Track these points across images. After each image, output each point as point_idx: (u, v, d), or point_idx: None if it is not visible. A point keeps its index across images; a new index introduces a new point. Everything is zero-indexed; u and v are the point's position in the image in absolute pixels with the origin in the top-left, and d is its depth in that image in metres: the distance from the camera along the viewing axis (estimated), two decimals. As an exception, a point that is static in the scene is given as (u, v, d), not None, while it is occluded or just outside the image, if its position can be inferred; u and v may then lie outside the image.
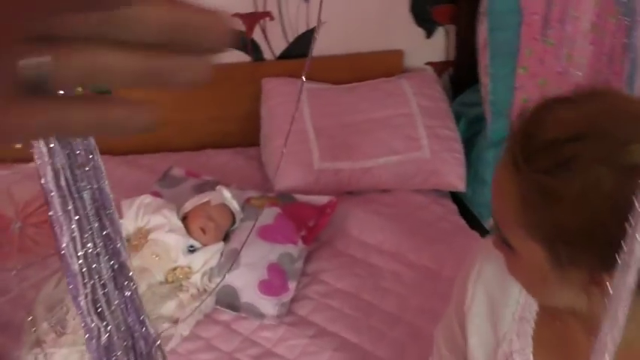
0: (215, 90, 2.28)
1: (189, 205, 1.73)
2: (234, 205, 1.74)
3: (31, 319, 1.52)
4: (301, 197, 1.91)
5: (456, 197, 2.08)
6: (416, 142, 2.01)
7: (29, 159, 2.13)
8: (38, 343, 1.45)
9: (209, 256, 1.67)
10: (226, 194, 1.73)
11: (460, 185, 2.00)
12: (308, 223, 1.79)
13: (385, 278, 1.69)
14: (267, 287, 1.62)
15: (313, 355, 1.47)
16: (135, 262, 1.59)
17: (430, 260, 1.74)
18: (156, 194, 1.88)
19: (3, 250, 1.79)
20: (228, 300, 1.62)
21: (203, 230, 1.67)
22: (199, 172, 2.07)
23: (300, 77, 2.17)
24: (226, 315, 1.61)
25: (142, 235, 1.65)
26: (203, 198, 1.72)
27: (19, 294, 1.67)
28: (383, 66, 2.29)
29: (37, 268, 1.75)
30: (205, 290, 1.63)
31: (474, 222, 2.04)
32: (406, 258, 1.75)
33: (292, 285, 1.64)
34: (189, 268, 1.64)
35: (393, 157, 2.00)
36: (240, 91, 2.29)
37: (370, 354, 1.48)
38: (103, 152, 2.15)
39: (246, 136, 2.34)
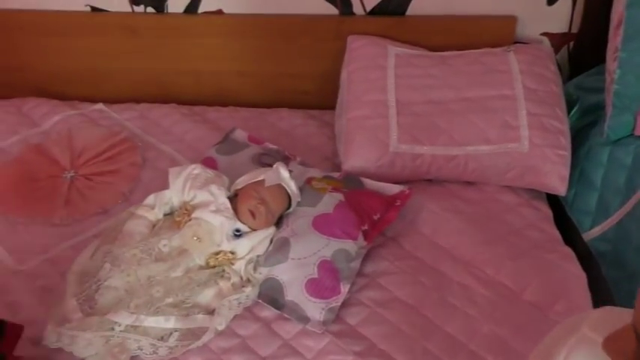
0: (294, 43, 2.06)
1: (241, 182, 1.55)
2: (292, 187, 1.54)
3: (61, 292, 1.42)
4: (370, 183, 1.68)
5: (551, 199, 1.77)
6: (514, 132, 1.70)
7: (97, 99, 2.04)
8: (64, 320, 1.35)
9: (256, 242, 1.49)
10: (284, 174, 1.52)
11: (561, 188, 1.69)
12: (373, 215, 1.56)
13: (453, 293, 1.45)
14: (316, 287, 1.43)
15: (356, 378, 1.28)
16: (174, 241, 1.44)
17: (509, 278, 1.47)
18: (210, 162, 1.72)
19: (51, 202, 1.70)
20: (272, 295, 1.44)
21: (252, 214, 1.48)
22: (263, 138, 1.88)
23: (392, 38, 1.91)
24: (268, 312, 1.44)
25: (186, 211, 1.49)
26: (257, 176, 1.53)
27: (58, 254, 1.57)
28: (489, 34, 1.95)
29: (79, 228, 1.65)
30: (249, 280, 1.47)
31: (569, 231, 1.74)
32: (481, 271, 1.50)
33: (345, 288, 1.44)
34: (233, 253, 1.47)
35: (485, 146, 1.71)
36: (322, 47, 2.05)
37: (422, 387, 1.27)
38: (169, 100, 2.02)
39: (324, 97, 2.12)
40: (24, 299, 1.46)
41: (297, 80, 2.13)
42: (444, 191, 1.74)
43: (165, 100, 2.16)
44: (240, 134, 1.88)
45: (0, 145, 1.93)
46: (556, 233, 1.63)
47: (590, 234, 1.73)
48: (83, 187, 1.75)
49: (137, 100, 2.17)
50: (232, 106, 2.14)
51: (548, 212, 1.70)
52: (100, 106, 2.11)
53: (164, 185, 1.75)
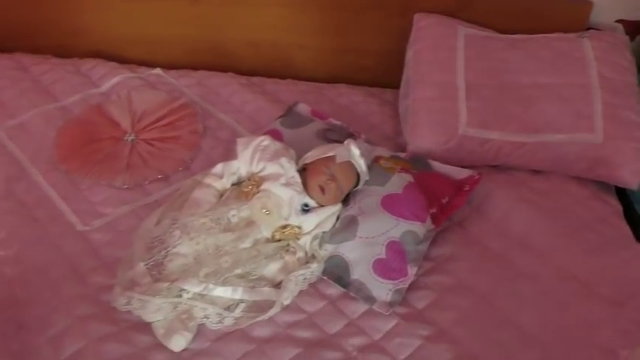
0: (358, 17, 2.01)
1: (311, 157, 1.52)
2: (362, 165, 1.51)
3: (129, 256, 1.41)
4: (438, 165, 1.64)
5: (619, 193, 1.73)
6: (588, 122, 1.65)
7: (155, 64, 2.03)
8: (133, 284, 1.34)
9: (323, 218, 1.46)
10: (355, 151, 1.49)
11: (633, 182, 1.64)
12: (442, 199, 1.53)
13: (524, 283, 1.42)
14: (384, 267, 1.40)
15: (425, 362, 1.26)
16: (243, 212, 1.42)
17: (583, 272, 1.44)
18: (276, 134, 1.69)
19: (113, 165, 1.69)
20: (337, 272, 1.42)
21: (322, 189, 1.46)
22: (326, 113, 1.84)
23: (459, 18, 1.85)
24: (333, 289, 1.42)
25: (255, 182, 1.47)
26: (328, 151, 1.50)
27: (119, 217, 1.57)
28: (563, 18, 1.89)
29: (140, 192, 1.64)
30: (313, 256, 1.45)
31: (634, 225, 1.69)
32: (554, 263, 1.46)
33: (412, 270, 1.42)
34: (300, 228, 1.45)
35: (556, 135, 1.66)
36: (386, 23, 2.01)
37: (493, 376, 1.25)
38: (227, 69, 1.99)
39: (385, 75, 2.08)
40: (88, 261, 1.45)
41: (357, 56, 2.09)
42: (510, 178, 1.70)
43: (222, 68, 2.13)
44: (303, 108, 1.85)
45: (62, 103, 1.92)
46: (627, 230, 1.58)
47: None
48: (144, 151, 1.74)
49: (194, 68, 2.14)
50: (290, 79, 2.10)
51: (618, 207, 1.66)
52: (157, 71, 2.09)
53: (225, 155, 1.74)
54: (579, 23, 1.90)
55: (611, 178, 1.66)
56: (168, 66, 2.13)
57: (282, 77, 2.12)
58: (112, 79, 2.02)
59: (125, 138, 1.78)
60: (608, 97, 1.67)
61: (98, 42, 2.17)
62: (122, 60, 2.15)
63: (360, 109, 1.96)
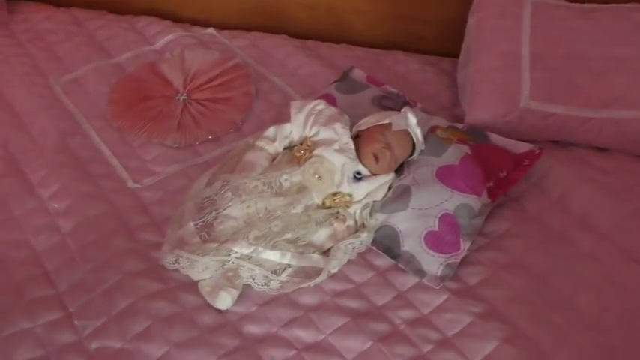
0: (418, -17, 1.94)
1: (366, 124, 1.48)
2: (418, 135, 1.45)
3: (178, 215, 1.40)
4: (496, 138, 1.58)
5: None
6: (661, 98, 1.56)
7: (209, 24, 2.00)
8: (182, 243, 1.34)
9: (375, 187, 1.43)
10: (412, 120, 1.44)
11: None
12: (499, 173, 1.47)
13: (584, 265, 1.35)
14: (436, 240, 1.36)
15: (476, 340, 1.22)
16: (295, 177, 1.40)
17: (648, 258, 1.37)
18: (330, 98, 1.64)
19: (164, 123, 1.68)
20: (387, 243, 1.39)
21: (376, 158, 1.42)
22: (382, 79, 1.79)
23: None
24: (382, 260, 1.38)
25: (308, 147, 1.44)
26: (384, 119, 1.45)
27: (170, 176, 1.56)
28: (636, -13, 1.78)
29: (190, 152, 1.63)
30: (363, 225, 1.41)
31: None
32: (616, 245, 1.39)
33: (465, 244, 1.37)
34: (351, 196, 1.42)
35: (627, 111, 1.57)
36: (448, -11, 1.92)
37: (547, 357, 1.20)
38: (281, 31, 1.95)
39: (443, 43, 2.01)
40: (138, 218, 1.46)
41: (415, 23, 2.02)
42: (572, 155, 1.63)
43: (275, 31, 2.09)
44: (358, 74, 1.80)
45: (116, 60, 1.92)
46: (696, 214, 1.50)
47: None
48: (195, 111, 1.72)
49: (247, 29, 2.11)
50: (345, 44, 2.05)
51: (689, 190, 1.56)
52: (210, 30, 2.07)
53: (277, 118, 1.72)
54: (656, -7, 1.78)
55: (682, 159, 1.57)
56: (221, 26, 2.11)
57: (337, 42, 2.06)
58: (166, 37, 2.01)
59: (177, 97, 1.77)
60: (685, 73, 1.57)
61: (153, 0, 2.15)
62: (176, 19, 2.13)
63: (416, 78, 1.89)
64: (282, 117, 1.71)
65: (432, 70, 1.92)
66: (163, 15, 2.13)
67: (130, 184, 1.53)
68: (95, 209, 1.45)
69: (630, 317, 1.26)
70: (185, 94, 1.77)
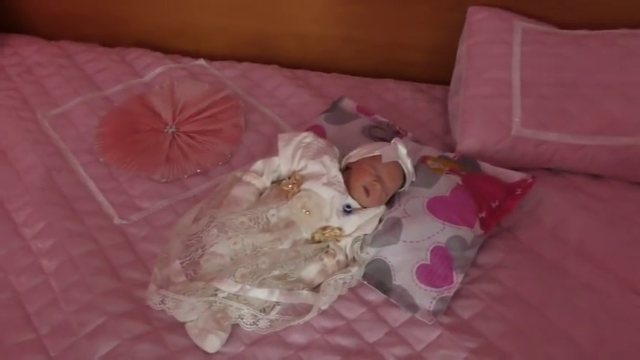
0: (407, 10, 1.93)
1: (355, 155, 1.45)
2: (408, 166, 1.43)
3: (165, 253, 1.37)
4: (488, 167, 1.55)
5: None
6: (655, 124, 1.54)
7: (199, 55, 1.99)
8: (168, 282, 1.31)
9: (365, 220, 1.40)
10: (402, 151, 1.42)
11: (703, 191, 1.52)
12: (491, 203, 1.44)
13: (580, 296, 1.32)
14: (428, 274, 1.33)
15: (471, 378, 1.19)
16: (282, 212, 1.37)
17: (645, 287, 1.34)
18: (319, 130, 1.63)
19: (153, 157, 1.66)
20: (379, 277, 1.36)
21: (367, 191, 1.39)
22: (372, 109, 1.77)
23: (516, 12, 1.75)
24: (373, 296, 1.35)
25: (296, 181, 1.41)
26: (374, 150, 1.43)
27: (157, 212, 1.54)
28: (629, 12, 1.76)
29: (178, 187, 1.60)
30: (354, 259, 1.38)
31: None
32: (614, 274, 1.36)
33: (458, 277, 1.34)
34: (340, 230, 1.39)
35: (620, 137, 1.55)
36: (437, 17, 1.91)
37: (543, 395, 1.16)
38: (271, 61, 1.94)
39: (434, 71, 2.00)
40: (124, 256, 1.43)
41: (406, 50, 2.01)
42: (566, 183, 1.60)
43: (266, 61, 2.08)
44: (348, 104, 1.78)
45: (106, 93, 1.91)
46: (695, 241, 1.47)
47: None
48: (184, 144, 1.70)
49: (238, 59, 2.10)
50: (336, 73, 2.04)
51: (684, 216, 1.54)
52: (201, 61, 2.06)
53: (266, 150, 1.70)
54: (645, 18, 1.77)
55: (678, 185, 1.55)
56: (212, 57, 2.10)
57: (327, 71, 2.05)
58: (156, 69, 2.00)
59: (166, 130, 1.75)
60: (677, 98, 1.55)
61: (144, 32, 2.15)
62: (166, 50, 2.13)
63: (407, 106, 1.88)
64: (272, 149, 1.69)
65: (423, 98, 1.90)
66: (154, 47, 2.13)
67: (117, 220, 1.51)
68: (80, 248, 1.42)
69: (629, 350, 1.23)
70: (174, 126, 1.75)
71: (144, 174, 1.62)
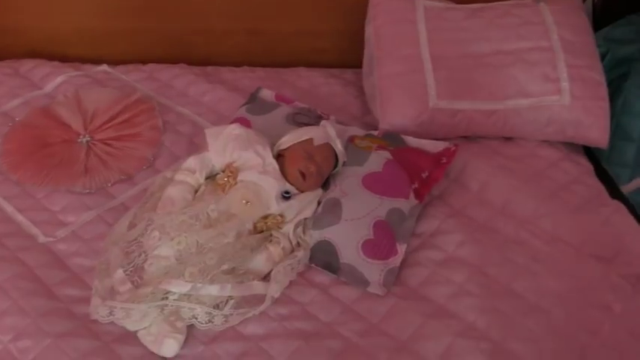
0: (309, -1, 1.95)
1: (286, 142, 1.45)
2: (339, 146, 1.45)
3: (104, 264, 1.31)
4: (412, 140, 1.61)
5: (587, 153, 1.75)
6: (555, 85, 1.66)
7: (100, 60, 1.88)
8: (112, 292, 1.24)
9: (305, 204, 1.41)
10: (331, 132, 1.44)
11: (602, 141, 1.66)
12: (421, 173, 1.50)
13: (514, 250, 1.40)
14: (373, 248, 1.36)
15: (432, 339, 1.22)
16: (221, 205, 1.35)
17: (568, 233, 1.44)
18: (243, 121, 1.61)
19: (70, 169, 1.57)
20: (325, 259, 1.37)
21: (303, 175, 1.40)
22: (291, 97, 1.78)
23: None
24: (323, 277, 1.36)
25: (231, 173, 1.39)
26: (304, 135, 1.44)
27: (86, 224, 1.46)
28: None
29: (103, 196, 1.53)
30: (299, 244, 1.39)
31: (607, 185, 1.71)
32: (538, 227, 1.46)
33: (402, 248, 1.38)
34: (282, 216, 1.39)
35: (525, 100, 1.66)
36: (341, 2, 1.95)
37: (500, 345, 1.22)
38: (177, 60, 1.88)
39: (343, 56, 2.04)
40: (56, 274, 1.34)
41: (313, 38, 2.03)
42: (482, 147, 1.69)
43: (171, 61, 2.02)
44: (266, 94, 1.78)
45: (4, 109, 1.77)
46: (601, 187, 1.60)
47: (629, 187, 1.71)
48: (102, 152, 1.62)
49: (142, 62, 2.03)
50: (246, 66, 2.02)
51: (589, 166, 1.67)
52: (104, 67, 1.97)
53: (189, 149, 1.66)
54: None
55: (581, 138, 1.68)
56: (113, 62, 2.01)
57: (237, 65, 2.03)
58: (56, 78, 1.88)
59: (79, 140, 1.65)
60: (572, 59, 1.68)
61: (34, 40, 2.01)
62: (63, 59, 2.00)
63: (322, 91, 1.90)
64: (193, 147, 1.65)
65: (337, 82, 1.93)
66: (49, 56, 2.00)
67: (42, 238, 1.41)
68: (5, 272, 1.32)
69: (565, 294, 1.32)
70: (87, 135, 1.66)
71: (63, 187, 1.53)
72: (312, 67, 2.03)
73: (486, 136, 1.71)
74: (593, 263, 1.38)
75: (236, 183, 1.38)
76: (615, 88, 1.77)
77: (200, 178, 1.43)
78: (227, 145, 1.43)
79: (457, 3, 1.84)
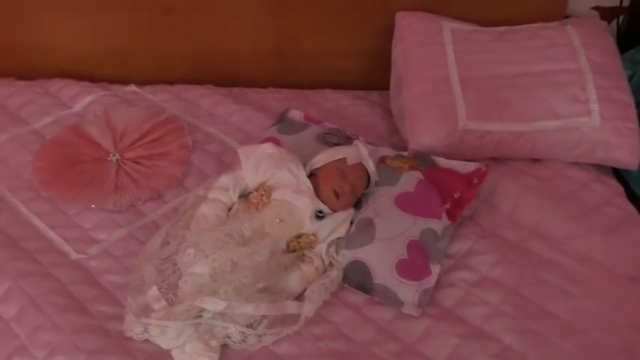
0: (337, 19, 1.97)
1: (319, 161, 1.46)
2: (371, 166, 1.45)
3: (137, 281, 1.30)
4: (443, 161, 1.61)
5: (617, 175, 1.74)
6: (584, 106, 1.66)
7: (128, 81, 1.90)
8: (147, 310, 1.24)
9: (337, 224, 1.40)
10: (364, 152, 1.44)
11: (633, 162, 1.65)
12: (453, 194, 1.49)
13: (547, 271, 1.39)
14: (407, 269, 1.35)
15: (467, 361, 1.21)
16: (255, 224, 1.35)
17: (602, 254, 1.42)
18: (274, 141, 1.61)
19: (101, 186, 1.58)
20: (359, 279, 1.36)
21: (337, 194, 1.39)
22: (319, 117, 1.79)
23: (441, 13, 1.83)
24: (356, 297, 1.35)
25: (265, 192, 1.39)
26: (337, 154, 1.44)
27: (117, 241, 1.46)
28: (539, 9, 1.91)
29: (134, 214, 1.53)
30: (331, 264, 1.38)
31: (637, 206, 1.70)
32: (572, 248, 1.44)
33: (435, 268, 1.37)
34: (315, 236, 1.38)
35: (554, 121, 1.66)
36: (366, 24, 1.98)
37: (536, 368, 1.21)
38: (203, 81, 1.90)
39: (367, 77, 2.05)
40: (89, 290, 1.34)
41: (338, 59, 2.04)
42: (510, 169, 1.69)
43: (198, 81, 2.04)
44: (295, 114, 1.78)
45: (34, 127, 1.78)
46: (633, 209, 1.59)
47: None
48: (132, 171, 1.63)
49: (169, 82, 2.04)
50: (272, 87, 2.04)
51: (619, 188, 1.66)
52: (132, 87, 1.99)
53: (218, 168, 1.66)
54: (556, 12, 1.92)
55: (610, 160, 1.67)
56: (141, 82, 2.03)
57: (263, 86, 2.05)
58: (85, 98, 1.90)
59: (109, 158, 1.66)
60: (600, 80, 1.68)
61: (63, 61, 2.04)
62: (91, 78, 2.03)
63: (349, 113, 1.91)
64: (222, 166, 1.66)
65: (363, 104, 1.94)
66: (77, 76, 2.02)
67: (74, 255, 1.41)
68: (39, 288, 1.32)
69: (600, 315, 1.30)
70: (117, 154, 1.67)
71: (94, 205, 1.53)
72: (335, 87, 2.04)
73: (514, 157, 1.71)
74: (628, 284, 1.37)
75: (269, 202, 1.37)
76: (641, 110, 1.77)
77: (233, 196, 1.43)
78: (260, 164, 1.43)
79: (482, 26, 1.86)
